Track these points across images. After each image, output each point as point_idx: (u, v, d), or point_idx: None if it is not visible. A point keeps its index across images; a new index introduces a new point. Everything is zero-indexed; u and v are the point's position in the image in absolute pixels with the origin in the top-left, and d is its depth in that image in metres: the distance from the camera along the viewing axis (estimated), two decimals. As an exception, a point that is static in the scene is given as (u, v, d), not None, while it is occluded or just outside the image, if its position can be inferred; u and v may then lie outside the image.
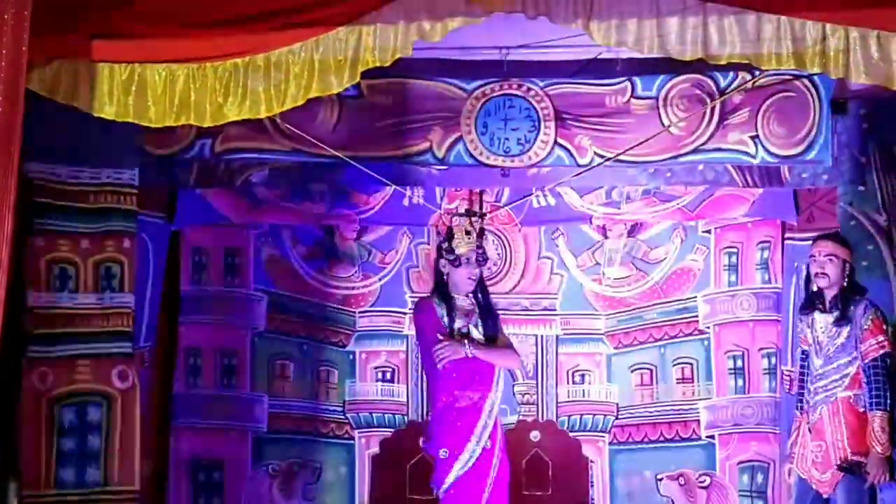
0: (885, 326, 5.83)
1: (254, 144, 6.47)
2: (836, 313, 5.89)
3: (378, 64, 5.10)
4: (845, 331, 5.85)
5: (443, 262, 5.77)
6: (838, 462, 5.80)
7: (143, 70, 5.07)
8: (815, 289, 6.00)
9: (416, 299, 6.83)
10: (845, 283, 5.91)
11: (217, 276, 7.32)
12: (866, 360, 5.77)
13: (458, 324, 5.71)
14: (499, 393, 5.79)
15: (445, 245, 5.75)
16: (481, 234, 5.82)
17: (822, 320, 5.95)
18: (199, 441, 7.17)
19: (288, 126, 6.35)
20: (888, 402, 5.69)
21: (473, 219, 5.81)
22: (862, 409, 5.79)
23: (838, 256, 5.92)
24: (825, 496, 5.91)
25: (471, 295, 5.80)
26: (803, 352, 6.13)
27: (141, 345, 6.79)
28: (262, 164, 6.69)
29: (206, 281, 7.31)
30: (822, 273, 5.90)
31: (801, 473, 6.02)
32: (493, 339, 5.83)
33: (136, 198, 6.38)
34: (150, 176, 6.59)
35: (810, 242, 6.26)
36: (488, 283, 7.31)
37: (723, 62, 5.07)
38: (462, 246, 5.72)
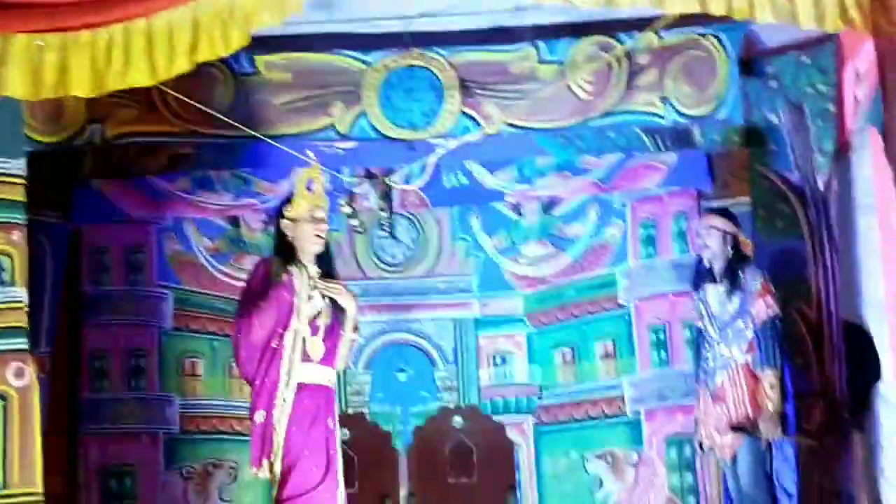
0: (772, 289, 6.02)
1: (147, 127, 6.23)
2: (726, 283, 6.07)
3: (268, 23, 4.86)
4: (737, 298, 6.06)
5: (284, 222, 5.39)
6: (735, 423, 5.95)
7: (15, 40, 4.78)
8: (706, 264, 6.16)
9: None
10: (731, 254, 6.08)
11: (119, 274, 7.10)
12: (757, 323, 5.97)
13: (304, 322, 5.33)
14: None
15: (283, 208, 5.39)
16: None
17: (714, 292, 6.14)
18: (108, 447, 6.93)
19: (181, 101, 6.09)
20: (778, 360, 5.92)
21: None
22: (759, 372, 5.96)
23: (718, 228, 6.12)
24: (726, 459, 6.06)
25: (317, 264, 5.41)
26: (697, 328, 6.28)
27: (41, 350, 6.50)
28: (158, 149, 6.44)
29: (107, 280, 7.08)
30: (705, 245, 6.13)
31: (706, 441, 6.12)
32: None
33: (23, 188, 6.07)
34: (42, 169, 6.32)
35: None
36: (402, 267, 7.25)
37: (624, 5, 4.92)
38: (303, 201, 5.35)
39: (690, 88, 6.30)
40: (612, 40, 6.25)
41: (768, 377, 5.90)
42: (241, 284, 6.95)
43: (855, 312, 6.26)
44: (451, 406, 7.19)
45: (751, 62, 6.47)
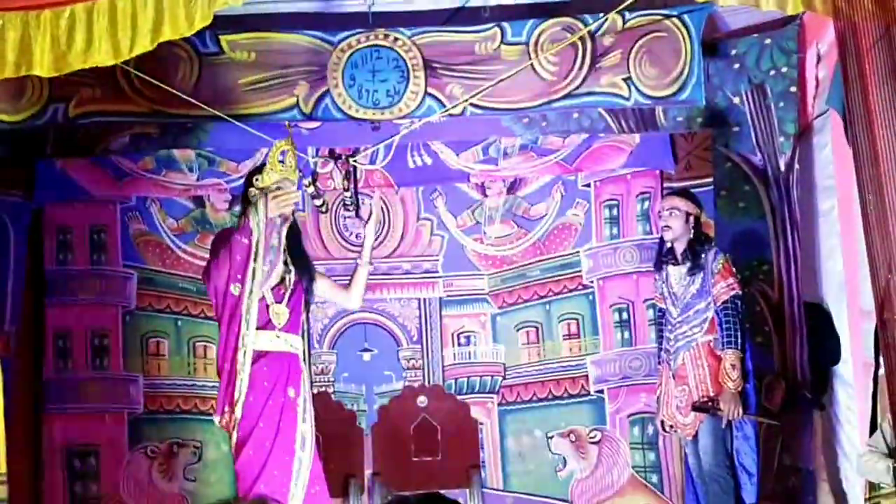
0: (733, 270, 6.03)
1: (110, 107, 6.15)
2: (688, 264, 6.08)
3: (232, 3, 4.85)
4: (698, 278, 6.06)
5: (252, 191, 5.34)
6: (696, 402, 5.98)
7: (-26, 20, 4.76)
8: (668, 245, 6.17)
9: None
10: (692, 235, 6.09)
11: (82, 254, 7.08)
12: (718, 304, 5.97)
13: (260, 263, 5.26)
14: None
15: (254, 178, 5.35)
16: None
17: (676, 272, 6.16)
18: (72, 427, 6.94)
19: (144, 81, 6.05)
20: (739, 341, 5.91)
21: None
22: (720, 352, 5.97)
23: (680, 209, 6.12)
24: (688, 438, 6.10)
25: (283, 237, 5.40)
26: (659, 309, 6.31)
27: (5, 329, 6.50)
28: (121, 128, 6.41)
29: (71, 260, 7.07)
30: (667, 226, 6.12)
31: (667, 420, 6.15)
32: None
33: (-18, 167, 6.07)
34: (4, 148, 6.32)
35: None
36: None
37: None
38: (273, 173, 5.32)
39: (654, 70, 6.29)
40: (576, 22, 6.23)
41: (729, 357, 5.90)
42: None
43: (815, 293, 6.33)
44: (416, 385, 7.19)
45: (714, 44, 6.48)
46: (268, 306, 5.34)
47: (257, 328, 5.28)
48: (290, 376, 5.35)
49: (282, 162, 5.35)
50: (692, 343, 6.03)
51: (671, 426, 6.16)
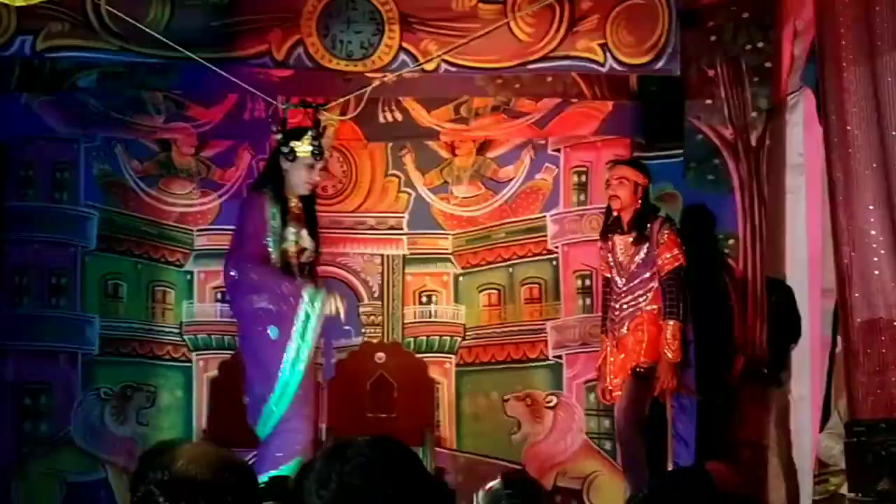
0: (679, 241, 6.06)
1: (79, 42, 6.05)
2: (633, 233, 6.10)
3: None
4: (644, 248, 6.10)
5: (283, 158, 5.44)
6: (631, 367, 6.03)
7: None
8: (614, 214, 6.19)
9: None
10: (639, 205, 6.09)
11: (44, 191, 6.97)
12: (662, 274, 6.01)
13: (289, 232, 5.42)
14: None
15: (285, 143, 5.44)
16: (320, 128, 5.56)
17: (622, 242, 6.17)
18: (25, 363, 6.85)
19: (115, 17, 5.94)
20: (681, 312, 5.96)
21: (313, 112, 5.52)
22: (662, 321, 6.01)
23: (629, 179, 6.13)
24: (612, 402, 6.20)
25: (301, 200, 5.51)
26: (605, 278, 6.33)
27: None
28: (89, 65, 6.32)
29: (32, 196, 6.95)
30: (615, 195, 6.13)
31: (609, 388, 6.20)
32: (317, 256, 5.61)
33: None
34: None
35: (659, 161, 6.33)
36: (333, 201, 7.19)
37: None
38: (305, 144, 5.41)
39: (631, 37, 6.26)
40: (555, -17, 6.19)
41: (670, 327, 5.94)
42: (169, 208, 7.07)
43: (779, 269, 6.35)
44: (375, 342, 7.15)
45: (691, 15, 6.45)
46: None
47: None
48: None
49: (312, 135, 5.52)
50: (636, 312, 6.07)
51: (611, 392, 6.20)
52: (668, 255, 6.00)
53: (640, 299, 6.08)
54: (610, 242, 6.22)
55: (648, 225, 6.09)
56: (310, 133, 5.66)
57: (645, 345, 6.03)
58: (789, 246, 6.27)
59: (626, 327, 6.10)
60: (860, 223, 4.70)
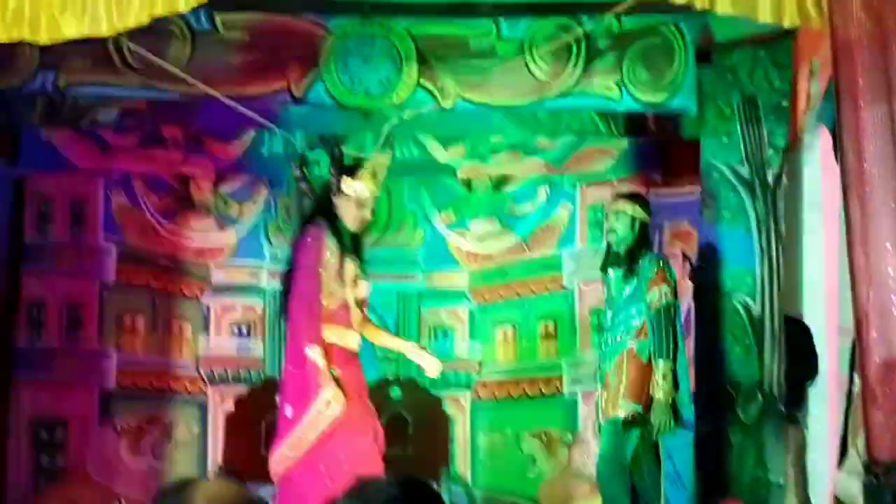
0: (668, 278, 5.94)
1: (101, 78, 6.11)
2: (624, 268, 6.01)
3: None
4: (633, 283, 5.96)
5: (341, 191, 5.45)
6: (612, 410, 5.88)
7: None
8: (613, 249, 6.11)
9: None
10: (632, 240, 6.03)
11: (63, 225, 7.02)
12: (651, 310, 5.86)
13: (347, 266, 5.42)
14: None
15: (344, 177, 5.43)
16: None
17: (614, 276, 6.07)
18: (41, 397, 6.87)
19: (137, 53, 6.00)
20: (670, 350, 5.80)
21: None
22: (645, 360, 5.85)
23: (626, 213, 6.03)
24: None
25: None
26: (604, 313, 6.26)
27: (-20, 296, 6.44)
28: (110, 101, 6.37)
29: (51, 230, 7.01)
30: (612, 230, 6.06)
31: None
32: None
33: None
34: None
35: (675, 198, 6.32)
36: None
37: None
38: (369, 184, 5.45)
39: (647, 75, 6.29)
40: (572, 22, 6.22)
41: (660, 367, 5.78)
42: (187, 242, 7.09)
43: (796, 307, 6.34)
44: (390, 377, 7.16)
45: (708, 53, 6.48)
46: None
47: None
48: None
49: (375, 177, 5.48)
50: (621, 348, 5.94)
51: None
52: (657, 292, 5.85)
53: (625, 335, 5.93)
54: (608, 276, 6.13)
55: (638, 260, 5.96)
56: (365, 169, 5.57)
57: (626, 384, 5.86)
58: (807, 283, 6.26)
59: (609, 364, 5.96)
60: (877, 262, 4.69)
